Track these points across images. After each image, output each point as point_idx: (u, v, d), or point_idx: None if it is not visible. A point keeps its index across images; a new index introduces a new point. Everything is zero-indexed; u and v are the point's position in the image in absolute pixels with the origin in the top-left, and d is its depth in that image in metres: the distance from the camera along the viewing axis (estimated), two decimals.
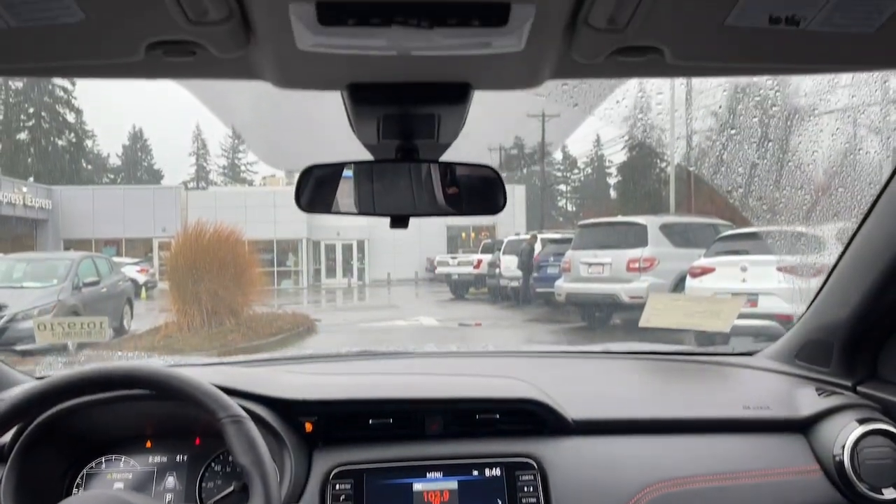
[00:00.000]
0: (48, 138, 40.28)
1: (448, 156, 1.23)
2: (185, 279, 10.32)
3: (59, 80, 39.13)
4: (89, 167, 44.56)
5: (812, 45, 0.84)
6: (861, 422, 1.42)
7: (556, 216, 45.82)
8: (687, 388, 1.68)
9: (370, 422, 1.43)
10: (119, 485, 1.39)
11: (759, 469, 1.42)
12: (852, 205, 1.89)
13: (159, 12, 0.74)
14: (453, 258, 18.83)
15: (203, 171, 50.45)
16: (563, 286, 11.48)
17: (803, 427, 1.49)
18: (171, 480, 1.40)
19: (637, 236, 10.62)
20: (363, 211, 1.26)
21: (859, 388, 1.56)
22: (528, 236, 16.07)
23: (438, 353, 2.25)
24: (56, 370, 1.83)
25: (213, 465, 1.41)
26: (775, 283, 6.74)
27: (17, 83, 37.21)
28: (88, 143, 44.69)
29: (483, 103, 1.12)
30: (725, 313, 1.72)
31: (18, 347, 7.32)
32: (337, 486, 1.34)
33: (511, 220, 23.81)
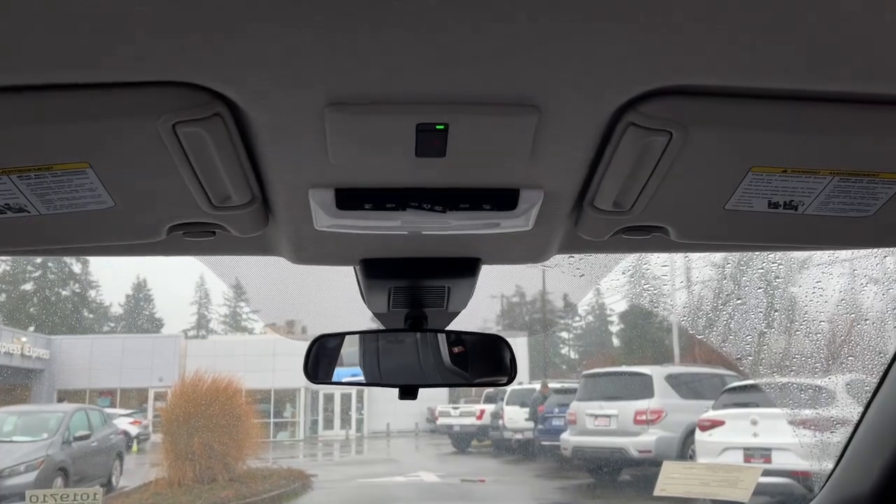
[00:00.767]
0: (52, 289, 40.71)
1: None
2: (180, 431, 10.04)
3: None
4: (90, 316, 44.72)
5: (811, 227, 0.87)
6: None
7: (558, 363, 45.33)
8: None
9: None
10: None
11: None
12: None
13: (185, 198, 0.77)
14: (455, 408, 18.37)
15: (204, 319, 50.61)
16: (570, 439, 11.12)
17: None
18: None
19: (643, 387, 10.42)
20: (372, 381, 1.24)
21: None
22: (537, 385, 15.77)
23: None
24: None
25: None
26: (788, 438, 6.53)
27: None
28: (92, 292, 45.18)
29: None
30: (744, 483, 1.65)
31: None
32: None
33: None
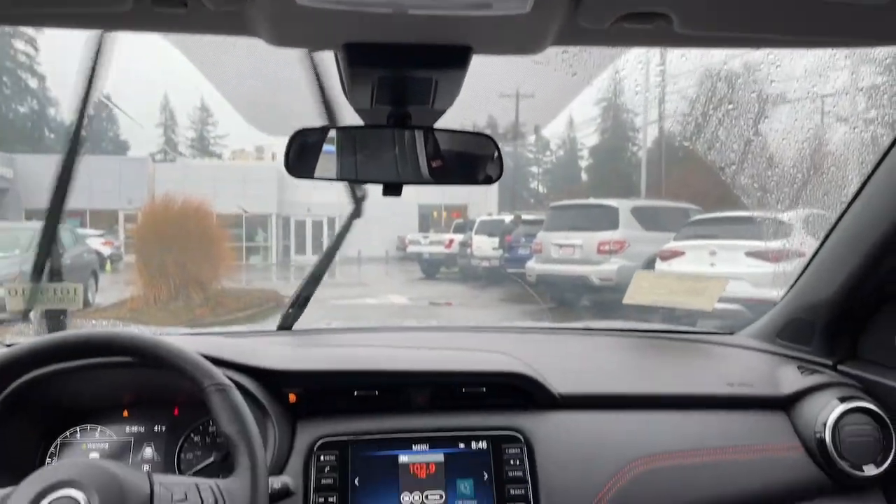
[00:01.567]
0: (9, 105, 39.11)
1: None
2: (153, 251, 10.13)
3: (21, 45, 37.94)
4: (52, 136, 43.44)
5: (823, 15, 0.83)
6: (842, 400, 1.44)
7: (527, 197, 45.95)
8: (671, 364, 1.69)
9: (355, 394, 1.40)
10: (94, 454, 1.35)
11: (742, 445, 1.43)
12: (838, 189, 1.90)
13: None
14: (425, 237, 18.76)
15: (171, 143, 49.50)
16: (535, 267, 11.51)
17: (785, 405, 1.51)
18: (148, 451, 1.36)
19: (608, 219, 10.68)
20: (354, 178, 1.22)
21: (840, 367, 1.58)
22: (506, 216, 16.05)
23: (420, 327, 2.23)
24: (26, 337, 1.77)
25: (192, 435, 1.38)
26: (744, 268, 6.84)
27: None
28: (52, 110, 43.52)
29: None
30: (709, 292, 1.73)
31: None
32: (321, 458, 1.31)
33: (483, 201, 23.79)
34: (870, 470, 1.39)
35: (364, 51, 0.95)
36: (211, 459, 1.30)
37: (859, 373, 1.53)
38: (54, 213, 1.76)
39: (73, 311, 2.11)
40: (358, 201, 1.93)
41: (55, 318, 2.03)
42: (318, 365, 1.44)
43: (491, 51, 0.99)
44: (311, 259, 23.76)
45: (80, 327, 1.62)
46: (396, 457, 1.34)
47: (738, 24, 0.86)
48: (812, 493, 1.41)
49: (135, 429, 1.38)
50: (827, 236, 1.57)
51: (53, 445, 1.35)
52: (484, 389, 1.44)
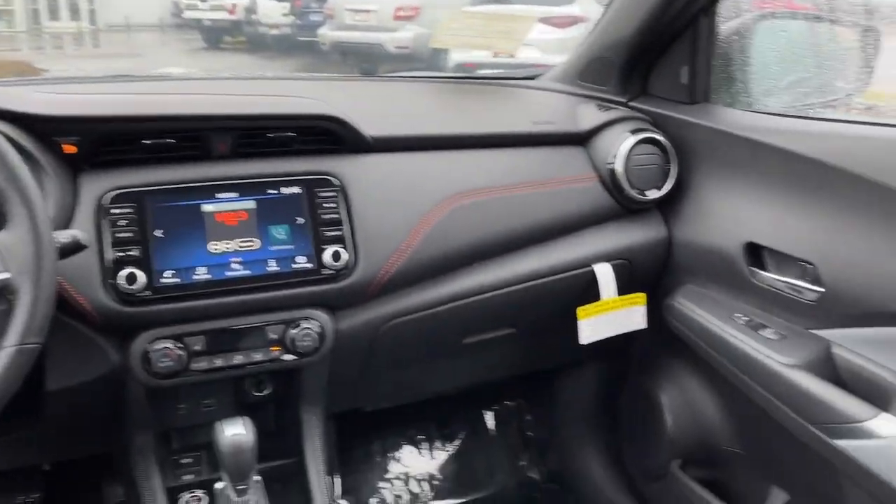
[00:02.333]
0: None
1: None
2: None
3: None
4: None
5: None
6: (633, 132, 1.54)
7: None
8: (479, 107, 1.69)
9: (144, 143, 1.25)
10: None
11: (547, 178, 1.51)
12: None
13: None
14: (203, 1, 16.86)
15: None
16: (328, 34, 10.94)
17: (583, 140, 1.59)
18: None
19: None
20: None
21: (632, 104, 1.68)
22: None
23: (216, 77, 2.02)
24: None
25: None
26: (536, 34, 6.97)
27: None
28: None
29: None
30: (516, 34, 1.70)
31: None
32: (114, 211, 1.18)
33: None
34: (652, 194, 1.54)
35: None
36: None
37: (649, 108, 1.64)
38: None
39: None
40: None
41: None
42: (97, 110, 1.25)
43: None
44: (68, 26, 20.64)
45: None
46: (199, 206, 1.25)
47: None
48: (603, 217, 1.55)
49: None
50: None
51: None
52: (293, 134, 1.34)
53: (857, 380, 1.17)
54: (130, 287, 1.16)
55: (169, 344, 1.21)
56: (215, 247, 1.24)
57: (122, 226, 1.18)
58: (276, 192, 1.30)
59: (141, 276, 1.17)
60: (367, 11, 10.31)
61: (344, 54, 11.02)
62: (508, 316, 1.56)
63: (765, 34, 1.62)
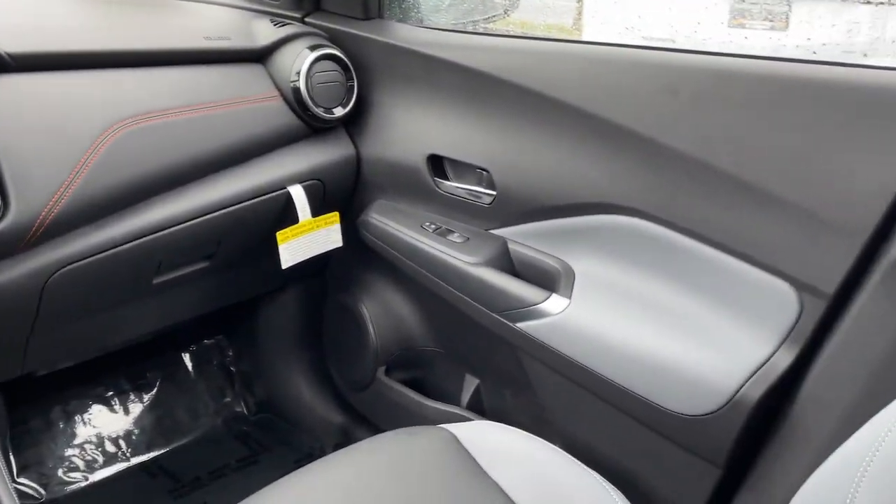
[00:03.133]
0: None
1: None
2: None
3: None
4: None
5: None
6: (312, 49, 1.51)
7: None
8: (141, 20, 1.50)
9: None
10: None
11: (226, 99, 1.41)
12: None
13: None
14: None
15: None
16: None
17: (261, 56, 1.51)
18: None
19: None
20: None
21: (307, 20, 1.64)
22: None
23: None
24: None
25: None
26: None
27: None
28: None
29: None
30: None
31: None
32: None
33: None
34: (338, 112, 1.54)
35: None
36: None
37: (324, 23, 1.61)
38: None
39: None
40: None
41: None
42: None
43: None
44: None
45: None
46: None
47: None
48: (293, 137, 1.51)
49: None
50: None
51: None
52: None
53: (530, 269, 1.34)
54: None
55: None
56: None
57: None
58: None
59: None
60: None
61: None
62: (204, 248, 1.46)
63: None
